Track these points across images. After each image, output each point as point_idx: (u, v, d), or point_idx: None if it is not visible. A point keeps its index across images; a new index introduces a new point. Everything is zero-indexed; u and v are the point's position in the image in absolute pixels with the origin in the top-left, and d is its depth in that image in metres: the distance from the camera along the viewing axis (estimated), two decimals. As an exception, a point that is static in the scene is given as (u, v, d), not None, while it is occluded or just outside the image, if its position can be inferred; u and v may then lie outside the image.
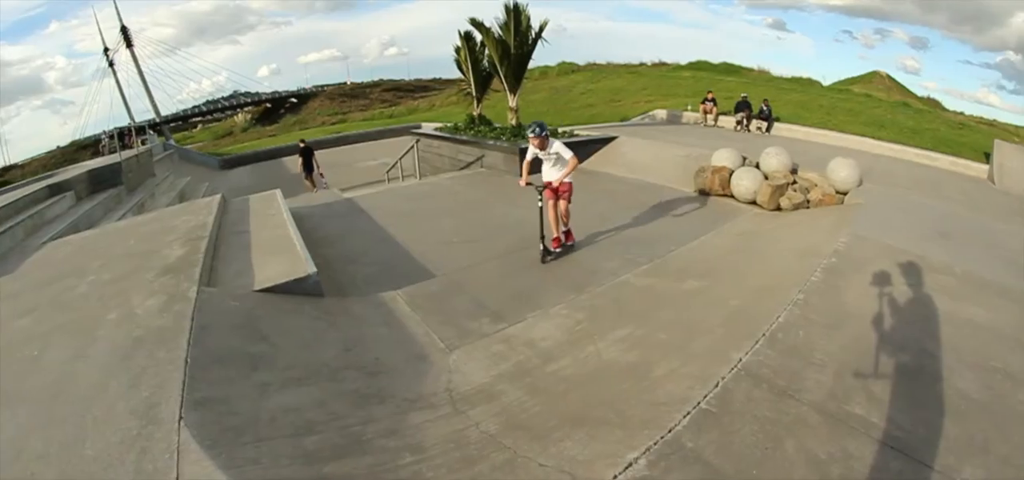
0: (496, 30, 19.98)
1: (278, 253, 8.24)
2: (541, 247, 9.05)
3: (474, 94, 22.86)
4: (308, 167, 23.46)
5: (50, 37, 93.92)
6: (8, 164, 69.40)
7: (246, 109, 78.68)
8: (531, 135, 9.13)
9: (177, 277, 6.97)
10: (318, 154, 24.15)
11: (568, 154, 9.05)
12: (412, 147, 21.82)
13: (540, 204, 9.14)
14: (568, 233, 9.66)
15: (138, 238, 9.40)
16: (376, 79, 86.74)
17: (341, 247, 10.11)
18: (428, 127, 27.44)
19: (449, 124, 22.99)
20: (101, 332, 5.85)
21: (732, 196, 13.01)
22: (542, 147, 9.11)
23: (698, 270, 8.31)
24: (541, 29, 19.92)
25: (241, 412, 4.60)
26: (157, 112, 55.11)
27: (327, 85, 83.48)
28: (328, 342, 6.34)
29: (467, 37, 21.95)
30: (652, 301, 7.32)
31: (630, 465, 3.92)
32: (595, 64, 60.40)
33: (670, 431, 4.27)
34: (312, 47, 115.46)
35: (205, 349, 5.33)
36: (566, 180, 9.22)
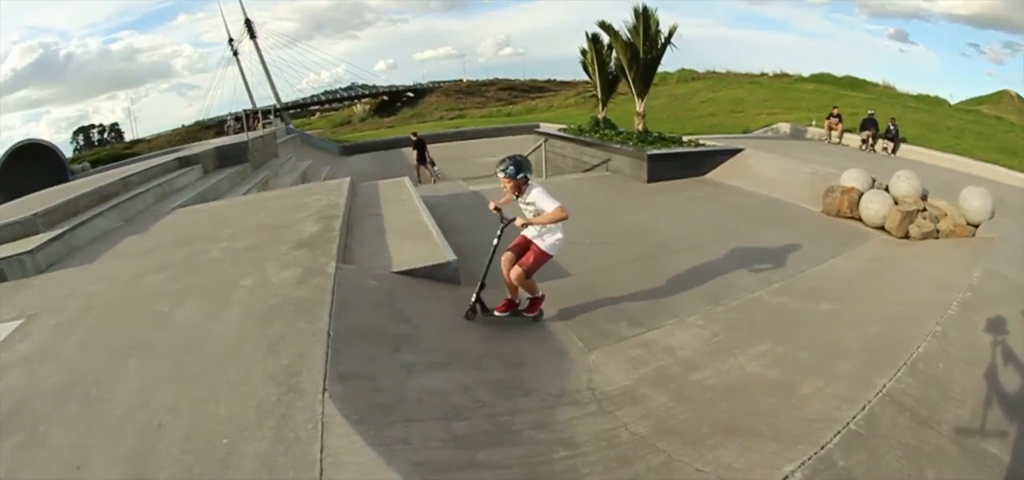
0: (625, 33, 19.84)
1: (414, 238, 8.45)
2: (474, 297, 6.80)
3: (599, 97, 22.73)
4: (421, 159, 24.34)
5: (178, 28, 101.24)
6: (136, 138, 74.82)
7: (363, 100, 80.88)
8: (501, 175, 6.74)
9: (313, 252, 7.20)
10: (437, 148, 24.88)
11: (551, 205, 6.53)
12: (539, 146, 21.81)
13: (495, 240, 6.83)
14: (534, 302, 7.10)
15: (268, 212, 9.81)
16: (492, 78, 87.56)
17: (471, 238, 10.12)
18: (547, 127, 27.48)
19: (572, 126, 22.93)
20: (235, 297, 6.09)
21: (860, 219, 12.52)
22: (518, 192, 6.73)
23: (832, 293, 8.12)
24: (670, 34, 19.70)
25: (387, 390, 4.66)
26: (278, 99, 56.98)
27: (443, 81, 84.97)
28: (468, 329, 6.49)
29: (594, 39, 21.84)
30: (788, 319, 7.23)
31: (786, 477, 3.90)
32: (715, 72, 58.78)
33: (822, 448, 4.23)
34: (428, 45, 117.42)
35: (347, 324, 5.44)
36: (538, 240, 6.82)
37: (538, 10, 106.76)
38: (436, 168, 24.35)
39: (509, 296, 7.03)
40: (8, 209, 12.75)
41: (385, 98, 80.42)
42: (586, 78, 24.52)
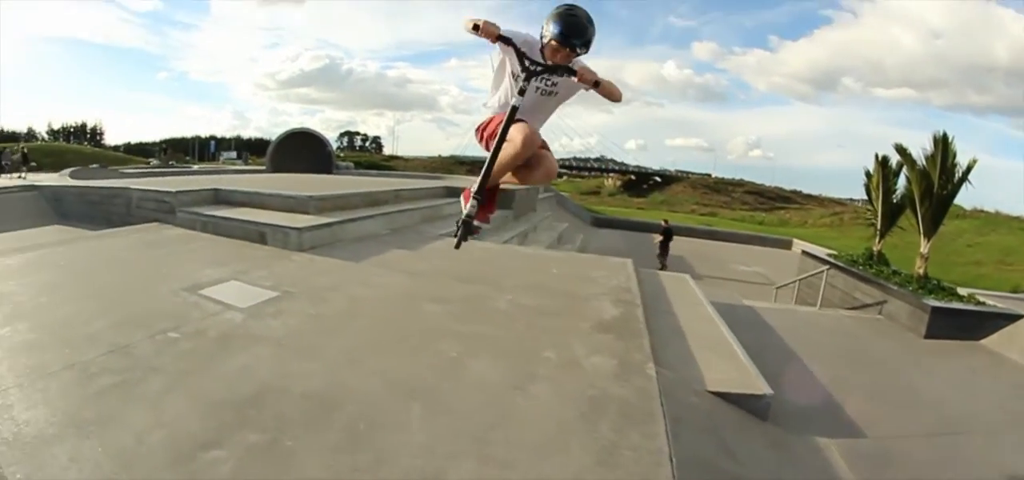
0: (920, 162, 18.16)
1: (717, 353, 7.64)
2: (473, 206, 5.30)
3: (878, 227, 20.91)
4: (663, 248, 25.02)
5: (449, 70, 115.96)
6: (393, 154, 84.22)
7: (612, 174, 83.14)
8: (554, 38, 4.83)
9: (623, 342, 6.46)
10: (685, 241, 25.94)
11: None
12: (820, 272, 20.35)
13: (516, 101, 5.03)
14: (493, 196, 5.85)
15: (551, 275, 9.40)
16: (739, 179, 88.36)
17: (758, 364, 8.60)
18: (801, 245, 26.90)
19: (843, 254, 21.60)
20: (541, 371, 5.48)
21: None
22: (569, 54, 4.95)
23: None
24: (968, 170, 17.69)
25: (740, 552, 3.96)
26: (531, 155, 60.90)
27: (691, 173, 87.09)
28: (776, 480, 5.89)
29: (883, 163, 20.47)
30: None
31: None
32: (982, 211, 54.49)
33: None
34: (680, 132, 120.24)
35: (684, 450, 4.65)
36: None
37: (792, 115, 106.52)
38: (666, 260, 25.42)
39: (490, 197, 5.62)
40: (283, 181, 14.22)
41: (632, 177, 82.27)
42: (861, 198, 23.89)
